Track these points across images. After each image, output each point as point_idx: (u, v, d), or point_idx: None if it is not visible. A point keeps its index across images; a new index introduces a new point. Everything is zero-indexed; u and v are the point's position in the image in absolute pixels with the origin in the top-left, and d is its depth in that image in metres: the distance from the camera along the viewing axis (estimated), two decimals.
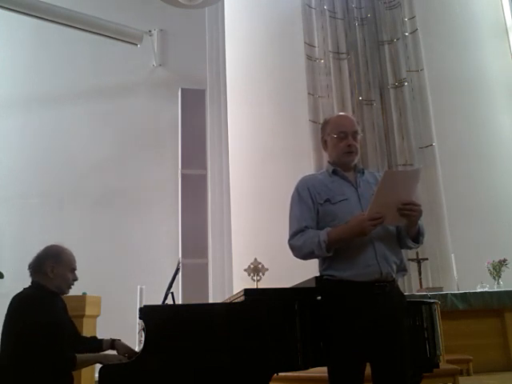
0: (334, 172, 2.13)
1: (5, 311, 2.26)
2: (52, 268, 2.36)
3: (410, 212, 1.93)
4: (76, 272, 2.47)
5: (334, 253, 1.98)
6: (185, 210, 5.83)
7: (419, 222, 2.04)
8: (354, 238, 1.93)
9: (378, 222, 1.88)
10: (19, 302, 2.28)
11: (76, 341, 2.47)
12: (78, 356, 2.27)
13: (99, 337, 2.64)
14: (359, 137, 2.15)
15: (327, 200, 2.04)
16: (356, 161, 2.15)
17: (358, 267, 1.94)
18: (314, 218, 2.05)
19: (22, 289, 2.37)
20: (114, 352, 2.44)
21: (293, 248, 2.06)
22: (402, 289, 2.11)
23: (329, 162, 2.19)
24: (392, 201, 1.90)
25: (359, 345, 1.91)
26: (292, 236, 2.06)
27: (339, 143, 2.11)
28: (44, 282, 2.36)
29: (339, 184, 2.09)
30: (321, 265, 2.08)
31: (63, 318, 2.40)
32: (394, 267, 2.00)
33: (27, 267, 2.40)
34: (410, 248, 2.11)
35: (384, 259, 1.96)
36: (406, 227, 2.02)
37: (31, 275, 2.40)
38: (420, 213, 1.96)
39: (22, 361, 2.17)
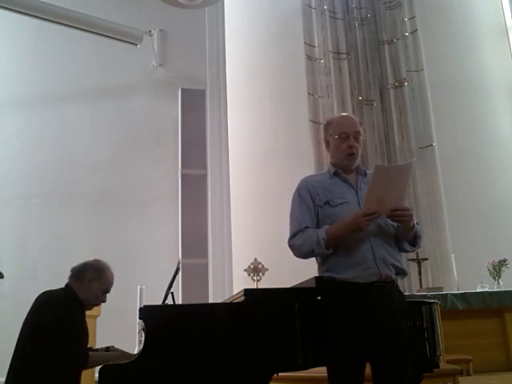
0: (336, 174, 2.13)
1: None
2: (90, 279, 2.43)
3: (399, 218, 1.95)
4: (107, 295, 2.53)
5: (333, 255, 1.99)
6: (185, 210, 5.82)
7: (417, 226, 2.05)
8: (352, 234, 1.94)
9: (373, 217, 1.90)
10: (47, 299, 2.33)
11: None
12: (92, 354, 2.33)
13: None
14: (362, 138, 2.14)
15: (326, 202, 2.05)
16: (357, 163, 2.15)
17: (358, 270, 1.95)
18: (313, 219, 2.07)
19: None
20: None
21: (293, 248, 2.07)
22: (401, 289, 2.12)
23: (331, 163, 2.19)
24: (386, 195, 1.92)
25: (359, 345, 1.91)
26: (292, 236, 2.07)
27: (341, 144, 2.10)
28: (76, 288, 2.41)
29: (340, 186, 2.09)
30: (320, 267, 2.09)
31: (85, 327, 2.45)
32: (394, 270, 2.01)
33: (70, 269, 2.47)
34: (408, 251, 2.13)
35: (383, 262, 1.97)
36: (403, 231, 2.03)
37: (69, 277, 2.46)
38: (410, 216, 1.98)
39: (36, 352, 2.22)
